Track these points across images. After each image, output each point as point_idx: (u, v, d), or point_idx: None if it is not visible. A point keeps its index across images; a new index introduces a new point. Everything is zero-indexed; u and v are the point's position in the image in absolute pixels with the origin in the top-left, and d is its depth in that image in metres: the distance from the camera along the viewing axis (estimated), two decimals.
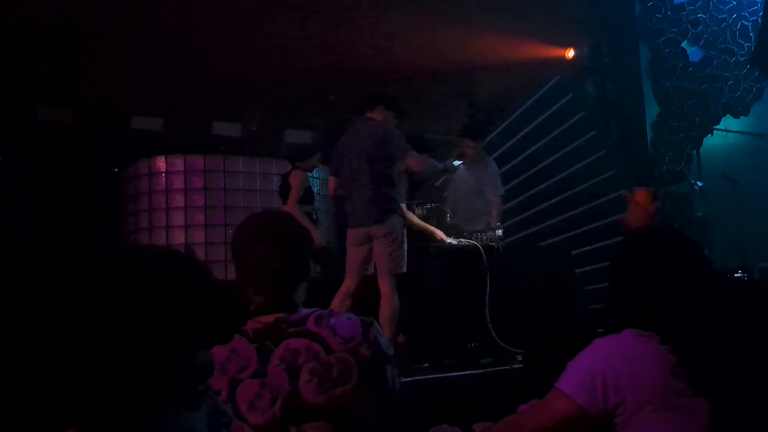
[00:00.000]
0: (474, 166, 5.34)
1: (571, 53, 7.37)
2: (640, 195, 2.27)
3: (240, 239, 1.68)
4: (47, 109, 6.29)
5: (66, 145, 6.16)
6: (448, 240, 4.63)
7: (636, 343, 1.56)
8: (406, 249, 3.98)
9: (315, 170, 6.43)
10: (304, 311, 1.55)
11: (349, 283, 3.99)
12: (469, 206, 5.39)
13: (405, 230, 4.04)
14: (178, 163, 5.75)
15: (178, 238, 5.62)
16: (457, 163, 4.85)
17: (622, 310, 1.69)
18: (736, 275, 6.07)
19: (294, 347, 1.46)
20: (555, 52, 7.39)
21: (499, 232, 4.91)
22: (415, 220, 4.66)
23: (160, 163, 5.77)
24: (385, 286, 3.87)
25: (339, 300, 3.92)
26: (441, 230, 4.67)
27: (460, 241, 4.71)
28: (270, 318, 1.53)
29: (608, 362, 1.53)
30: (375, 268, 4.02)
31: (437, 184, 5.34)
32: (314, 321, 1.50)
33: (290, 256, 1.63)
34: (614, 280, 1.77)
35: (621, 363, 1.52)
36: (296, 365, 1.44)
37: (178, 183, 5.71)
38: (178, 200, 5.68)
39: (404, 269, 3.94)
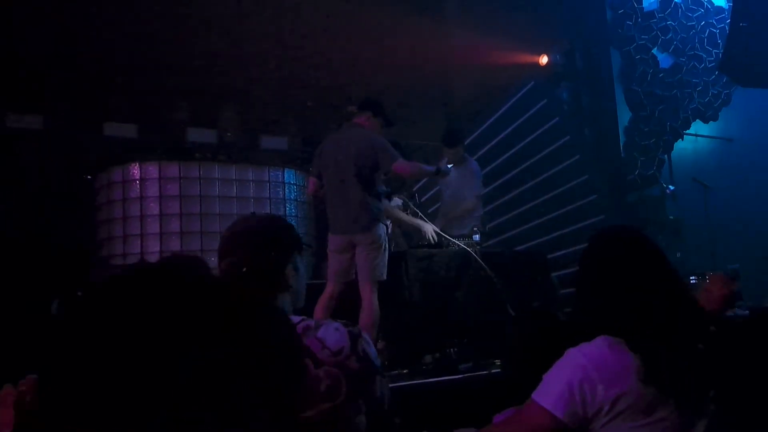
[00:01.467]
0: (457, 169, 5.35)
1: (544, 60, 7.45)
2: (715, 283, 2.16)
3: (219, 245, 1.66)
4: (16, 115, 6.16)
5: (36, 152, 6.04)
6: (433, 236, 4.65)
7: (609, 351, 1.56)
8: (387, 256, 3.99)
9: (291, 176, 6.41)
10: (292, 320, 1.51)
11: (331, 289, 3.98)
12: (453, 210, 5.41)
13: (386, 236, 4.04)
14: (153, 170, 5.66)
15: (153, 247, 5.54)
16: (450, 166, 4.79)
17: (590, 315, 1.70)
18: (707, 278, 6.18)
19: None
20: (529, 58, 7.47)
21: (477, 236, 4.93)
22: (404, 216, 4.69)
23: (134, 170, 5.67)
24: (367, 293, 3.86)
25: (322, 306, 3.90)
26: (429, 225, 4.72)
27: (436, 245, 4.73)
28: None
29: (584, 372, 1.53)
30: (356, 274, 4.02)
31: (415, 189, 5.33)
32: (301, 332, 1.47)
33: (259, 263, 1.60)
34: (580, 286, 1.78)
35: (597, 372, 1.53)
36: None
37: (153, 190, 5.62)
38: (153, 208, 5.59)
39: (385, 276, 3.94)
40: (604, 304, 1.66)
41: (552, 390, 1.55)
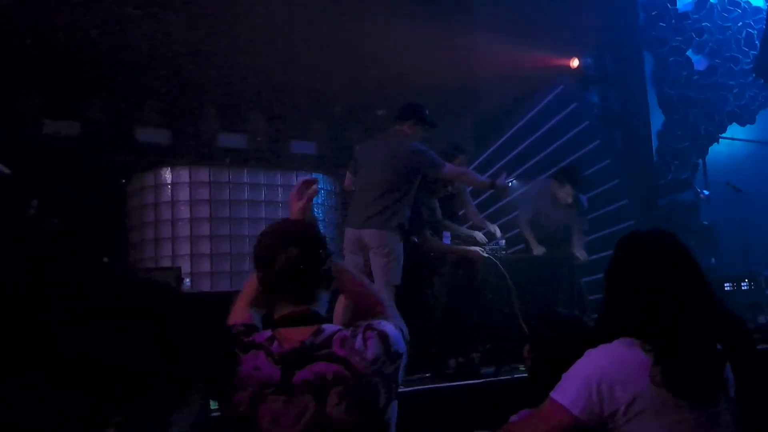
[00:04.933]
0: (561, 208, 5.24)
1: (575, 63, 7.36)
2: None
3: (263, 244, 1.67)
4: (53, 122, 6.35)
5: (72, 157, 6.21)
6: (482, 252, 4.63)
7: (627, 352, 1.59)
8: (401, 263, 3.99)
9: (319, 181, 6.46)
10: (328, 330, 1.55)
11: None
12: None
13: (401, 246, 4.02)
14: (184, 174, 5.79)
15: (184, 250, 5.65)
16: (510, 181, 4.66)
17: (613, 317, 1.71)
18: (742, 284, 6.05)
19: (320, 371, 1.47)
20: (559, 61, 7.38)
21: (503, 242, 4.91)
22: (445, 247, 4.66)
23: (166, 174, 5.80)
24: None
25: (341, 308, 3.91)
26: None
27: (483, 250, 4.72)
28: (296, 337, 1.54)
29: (603, 372, 1.56)
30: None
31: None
32: (339, 344, 1.51)
33: (312, 262, 1.63)
34: (606, 288, 1.79)
35: (615, 373, 1.55)
36: (323, 389, 1.45)
37: (184, 194, 5.74)
38: (184, 212, 5.71)
39: (399, 282, 3.95)
40: (624, 306, 1.68)
41: (571, 388, 1.57)
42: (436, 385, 3.69)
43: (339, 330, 1.55)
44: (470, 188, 5.07)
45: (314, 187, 1.92)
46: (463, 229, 4.97)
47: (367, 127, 7.29)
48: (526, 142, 7.38)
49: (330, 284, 1.68)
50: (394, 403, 1.57)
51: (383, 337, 1.54)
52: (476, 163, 7.21)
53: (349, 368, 1.47)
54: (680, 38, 7.33)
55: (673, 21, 7.33)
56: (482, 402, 3.50)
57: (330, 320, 1.73)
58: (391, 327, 1.61)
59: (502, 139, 7.35)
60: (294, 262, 1.59)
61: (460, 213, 5.28)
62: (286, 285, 1.60)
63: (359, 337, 1.52)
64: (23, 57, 5.98)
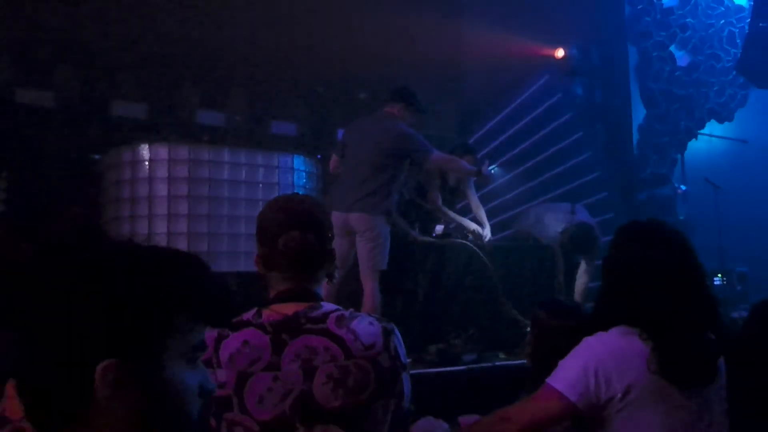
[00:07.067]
0: None
1: (560, 53, 7.37)
2: None
3: (270, 220, 1.57)
4: (26, 91, 6.16)
5: (44, 128, 6.04)
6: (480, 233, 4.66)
7: (624, 340, 1.60)
8: (388, 247, 3.96)
9: (301, 162, 6.39)
10: (326, 307, 1.48)
11: None
12: None
13: (388, 230, 3.99)
14: (162, 151, 5.63)
15: (161, 228, 5.52)
16: (491, 169, 4.69)
17: (611, 305, 1.71)
18: (715, 279, 6.16)
19: (312, 345, 1.41)
20: (544, 51, 7.39)
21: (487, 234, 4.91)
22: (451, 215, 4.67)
23: (144, 150, 5.65)
24: (368, 283, 3.85)
25: (324, 291, 3.87)
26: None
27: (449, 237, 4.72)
28: (288, 310, 1.47)
29: (599, 360, 1.56)
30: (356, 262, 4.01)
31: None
32: (335, 321, 1.44)
33: (319, 244, 1.55)
34: (604, 276, 1.79)
35: (612, 361, 1.56)
36: (313, 364, 1.39)
37: (162, 171, 5.59)
38: (161, 189, 5.57)
39: (385, 266, 3.93)
40: (621, 294, 1.68)
41: (567, 375, 1.58)
42: (416, 371, 3.68)
43: (337, 309, 1.49)
44: (473, 180, 5.04)
45: None
46: (457, 217, 4.96)
47: (348, 110, 7.22)
48: (510, 131, 7.39)
49: (332, 266, 1.61)
50: (383, 404, 1.45)
51: (387, 330, 1.48)
52: None
53: (342, 347, 1.40)
54: (664, 33, 7.39)
55: (658, 16, 7.39)
56: (463, 389, 3.51)
57: None
58: (398, 331, 1.54)
59: (486, 127, 7.35)
60: (301, 242, 1.51)
61: (459, 206, 5.29)
62: (293, 266, 1.52)
63: (358, 320, 1.46)
64: None
